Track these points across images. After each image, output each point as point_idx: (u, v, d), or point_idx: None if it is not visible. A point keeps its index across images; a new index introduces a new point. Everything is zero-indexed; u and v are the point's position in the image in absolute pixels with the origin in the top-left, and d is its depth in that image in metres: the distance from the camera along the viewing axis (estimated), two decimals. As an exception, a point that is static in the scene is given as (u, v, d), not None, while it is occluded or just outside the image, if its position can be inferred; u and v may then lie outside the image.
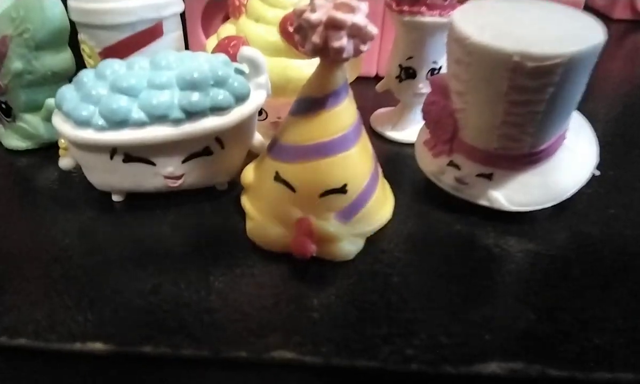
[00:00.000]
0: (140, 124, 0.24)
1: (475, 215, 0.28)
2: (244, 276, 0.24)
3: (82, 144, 0.25)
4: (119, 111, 0.24)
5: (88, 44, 0.29)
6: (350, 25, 0.22)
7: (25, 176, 0.31)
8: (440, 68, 0.32)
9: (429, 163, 0.29)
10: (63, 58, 0.29)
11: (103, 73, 0.25)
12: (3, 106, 0.31)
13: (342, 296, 0.23)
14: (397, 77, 0.33)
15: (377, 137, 0.35)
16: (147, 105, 0.24)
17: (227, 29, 0.31)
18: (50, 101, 0.27)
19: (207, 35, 0.41)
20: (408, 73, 0.32)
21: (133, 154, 0.25)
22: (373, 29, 0.23)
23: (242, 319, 0.22)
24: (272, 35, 0.29)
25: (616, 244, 0.26)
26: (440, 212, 0.28)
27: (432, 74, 0.32)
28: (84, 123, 0.24)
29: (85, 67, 0.30)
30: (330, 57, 0.23)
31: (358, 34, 0.22)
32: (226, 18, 0.38)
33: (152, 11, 0.29)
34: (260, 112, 0.31)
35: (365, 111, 0.38)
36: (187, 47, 0.42)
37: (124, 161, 0.25)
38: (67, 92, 0.25)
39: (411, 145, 0.32)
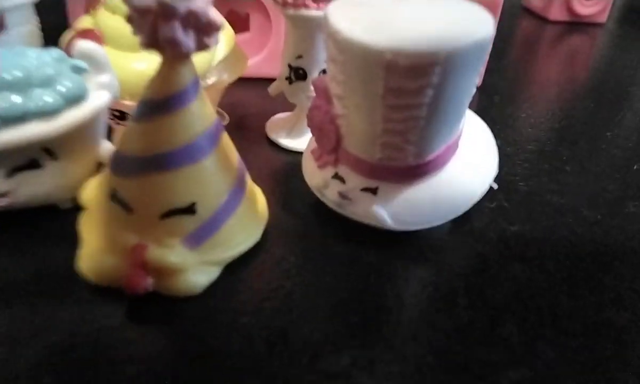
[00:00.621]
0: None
1: (360, 234, 0.24)
2: (71, 314, 0.20)
3: None
4: None
5: None
6: (185, 14, 0.18)
7: None
8: None
9: (314, 176, 0.26)
10: None
11: None
12: None
13: (174, 342, 0.19)
14: (287, 78, 0.29)
15: (272, 146, 0.32)
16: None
17: (84, 21, 0.27)
18: None
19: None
20: (298, 74, 0.29)
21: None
22: (217, 17, 0.19)
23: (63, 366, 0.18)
24: (126, 27, 0.25)
25: (512, 271, 0.23)
26: (323, 233, 0.25)
27: (323, 73, 0.29)
28: None
29: None
30: (167, 52, 0.19)
31: (197, 24, 0.19)
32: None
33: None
34: (123, 117, 0.27)
35: (265, 116, 0.35)
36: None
37: None
38: None
39: (297, 152, 0.28)
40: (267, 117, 0.34)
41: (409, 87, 0.20)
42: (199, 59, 0.23)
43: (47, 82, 0.21)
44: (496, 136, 0.27)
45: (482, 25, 0.21)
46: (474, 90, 0.22)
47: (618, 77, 0.49)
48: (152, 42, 0.19)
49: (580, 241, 0.25)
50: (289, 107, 0.33)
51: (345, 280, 0.22)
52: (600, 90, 0.45)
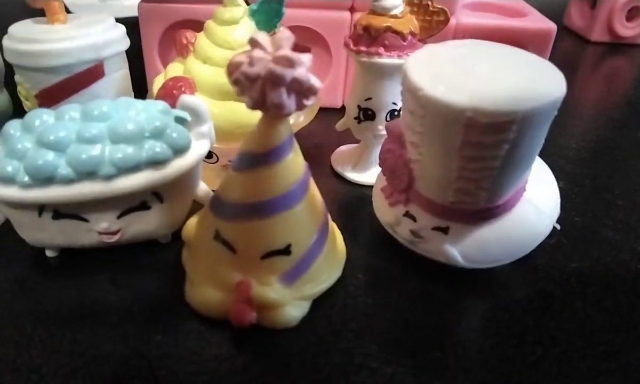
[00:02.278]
0: (68, 181, 0.22)
1: (430, 270, 0.26)
2: (182, 343, 0.22)
3: (8, 201, 0.23)
4: (44, 167, 0.22)
5: (24, 86, 0.28)
6: (290, 81, 0.21)
7: None
8: (400, 110, 0.31)
9: (385, 212, 0.28)
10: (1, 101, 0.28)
11: (31, 124, 0.23)
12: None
13: (278, 370, 0.21)
14: (355, 118, 0.31)
15: (337, 178, 0.34)
16: (75, 161, 0.22)
17: (174, 68, 0.29)
18: None
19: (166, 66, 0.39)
20: (367, 114, 0.31)
21: (63, 211, 0.24)
22: (316, 83, 0.21)
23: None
24: (221, 77, 0.27)
25: (575, 305, 0.25)
26: (395, 267, 0.27)
27: (391, 116, 0.31)
28: (8, 180, 0.22)
29: (22, 108, 0.29)
30: (271, 112, 0.21)
31: (299, 89, 0.21)
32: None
33: (90, 52, 0.28)
34: (210, 156, 0.29)
35: (328, 146, 0.37)
36: (145, 80, 0.40)
37: (54, 218, 0.24)
38: (-5, 146, 0.23)
39: (371, 187, 0.30)
40: (329, 148, 0.37)
41: (486, 141, 0.22)
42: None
43: (157, 135, 0.23)
44: (550, 168, 0.28)
45: (556, 84, 0.22)
46: (543, 141, 0.24)
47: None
48: (258, 104, 0.21)
49: (636, 277, 0.27)
50: (351, 137, 0.35)
51: (420, 314, 0.24)
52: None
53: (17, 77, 0.28)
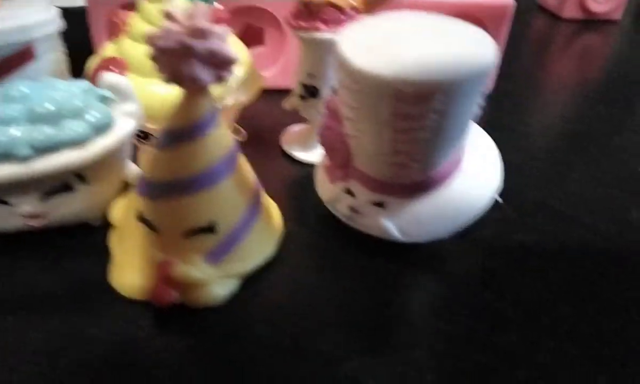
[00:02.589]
0: (-17, 163, 0.22)
1: (370, 246, 0.25)
2: (108, 325, 0.21)
3: None
4: (-43, 149, 0.21)
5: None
6: (203, 52, 0.20)
7: None
8: None
9: (326, 189, 0.27)
10: None
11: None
12: None
13: (197, 350, 0.21)
14: (300, 96, 0.30)
15: (287, 158, 0.33)
16: (-8, 142, 0.22)
17: (109, 49, 0.28)
18: None
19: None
20: (311, 92, 0.30)
21: (-17, 195, 0.23)
22: (232, 54, 0.20)
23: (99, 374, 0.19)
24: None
25: (516, 281, 0.24)
26: (336, 244, 0.26)
27: (334, 92, 0.30)
28: None
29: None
30: (187, 86, 0.21)
31: (214, 61, 0.20)
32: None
33: (17, 34, 0.27)
34: (146, 137, 0.28)
35: (281, 127, 0.36)
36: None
37: (-25, 201, 0.23)
38: None
39: (310, 165, 0.30)
40: (282, 129, 0.36)
41: (414, 112, 0.21)
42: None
43: (77, 113, 0.23)
44: (506, 144, 0.28)
45: (485, 53, 0.22)
46: (477, 110, 0.23)
47: (633, 76, 0.49)
48: (174, 77, 0.20)
49: (582, 250, 0.26)
50: (303, 119, 0.34)
51: (356, 290, 0.24)
52: (613, 91, 0.46)
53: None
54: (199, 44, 0.19)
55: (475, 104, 0.22)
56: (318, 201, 0.28)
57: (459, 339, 0.21)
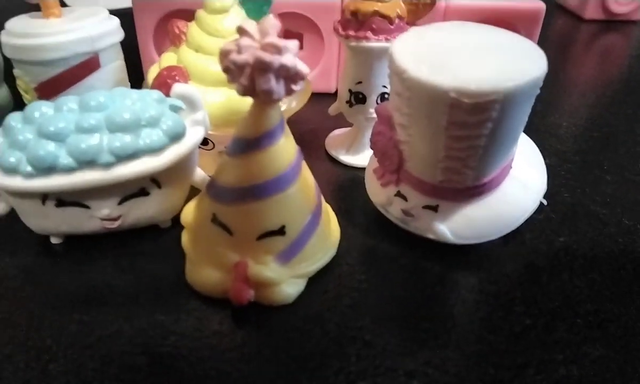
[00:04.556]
0: (69, 170, 0.23)
1: (422, 247, 0.27)
2: (183, 321, 0.23)
3: (12, 191, 0.24)
4: (46, 157, 0.23)
5: (23, 79, 0.28)
6: (278, 67, 0.21)
7: None
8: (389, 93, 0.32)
9: (377, 193, 0.29)
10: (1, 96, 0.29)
11: (31, 116, 0.24)
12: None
13: (276, 344, 0.22)
14: (347, 101, 0.32)
15: (331, 161, 0.35)
16: (75, 150, 0.23)
17: (168, 58, 0.30)
18: None
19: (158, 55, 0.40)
20: (358, 98, 0.31)
21: (65, 199, 0.24)
22: (303, 68, 0.22)
23: (181, 367, 0.21)
24: (213, 65, 0.28)
25: (562, 280, 0.26)
26: (388, 245, 0.28)
27: (382, 99, 0.31)
28: (11, 170, 0.23)
29: (22, 101, 0.29)
30: (260, 98, 0.22)
31: (287, 75, 0.22)
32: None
33: (85, 45, 0.28)
34: (206, 142, 0.30)
35: (322, 130, 0.38)
36: (141, 70, 0.41)
37: (57, 205, 0.25)
38: (-2, 138, 0.24)
39: (364, 169, 0.31)
40: (324, 132, 0.37)
41: (470, 121, 0.23)
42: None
43: (153, 122, 0.24)
44: (540, 146, 0.29)
45: (536, 63, 0.23)
46: (527, 118, 0.25)
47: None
48: (248, 90, 0.22)
49: (622, 249, 0.28)
50: (344, 121, 0.36)
51: (412, 289, 0.25)
52: (638, 91, 0.47)
53: (15, 71, 0.29)
54: (273, 59, 0.21)
55: (528, 111, 0.24)
56: (366, 203, 0.29)
57: (513, 335, 0.23)
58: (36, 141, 0.23)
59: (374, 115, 0.32)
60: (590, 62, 0.54)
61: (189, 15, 0.36)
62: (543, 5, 0.40)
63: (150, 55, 0.41)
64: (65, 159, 0.23)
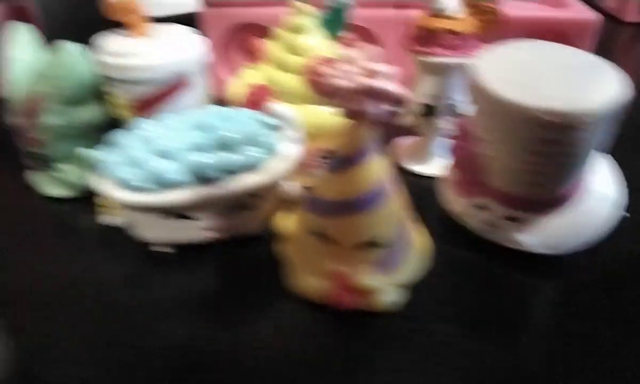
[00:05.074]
0: (181, 185, 0.25)
1: (502, 255, 0.28)
2: (284, 322, 0.25)
3: (128, 205, 0.26)
4: (161, 173, 0.25)
5: (119, 97, 0.30)
6: (380, 93, 0.23)
7: (67, 223, 0.31)
8: (457, 105, 0.33)
9: (456, 203, 0.30)
10: (94, 111, 0.30)
11: (143, 135, 0.26)
12: (38, 156, 0.32)
13: (376, 346, 0.24)
14: (418, 113, 0.33)
15: (397, 169, 0.36)
16: (188, 167, 0.25)
17: (250, 74, 0.32)
18: (84, 151, 0.29)
19: (225, 67, 0.42)
20: (428, 110, 0.33)
21: (175, 212, 0.26)
22: (403, 94, 0.23)
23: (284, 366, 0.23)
24: (297, 83, 0.30)
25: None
26: (468, 253, 0.29)
27: (451, 111, 0.33)
28: (127, 185, 0.25)
29: (115, 118, 0.31)
30: (362, 120, 0.24)
31: (388, 99, 0.23)
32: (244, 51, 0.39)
33: (180, 66, 0.30)
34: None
35: (386, 139, 0.39)
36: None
37: (166, 218, 0.26)
38: (109, 155, 0.26)
39: (429, 178, 0.33)
40: (386, 141, 0.38)
41: (558, 139, 0.24)
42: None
43: (255, 141, 0.26)
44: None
45: (619, 85, 0.24)
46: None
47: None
48: (354, 114, 0.23)
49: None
50: (409, 130, 0.36)
51: (494, 296, 0.27)
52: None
53: (110, 88, 0.31)
54: (376, 85, 0.22)
55: (608, 130, 0.25)
56: (440, 212, 0.31)
57: (590, 340, 0.24)
58: (151, 158, 0.25)
59: (443, 126, 0.33)
60: (633, 65, 0.55)
61: (256, 28, 0.38)
62: (596, 17, 0.41)
63: (218, 67, 0.41)
64: (178, 176, 0.25)
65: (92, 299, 0.26)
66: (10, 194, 0.34)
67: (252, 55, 0.32)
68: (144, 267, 0.28)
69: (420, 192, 0.34)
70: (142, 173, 0.25)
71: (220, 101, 0.35)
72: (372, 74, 0.23)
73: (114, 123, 0.32)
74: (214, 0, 0.39)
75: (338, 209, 0.25)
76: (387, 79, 0.23)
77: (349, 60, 0.23)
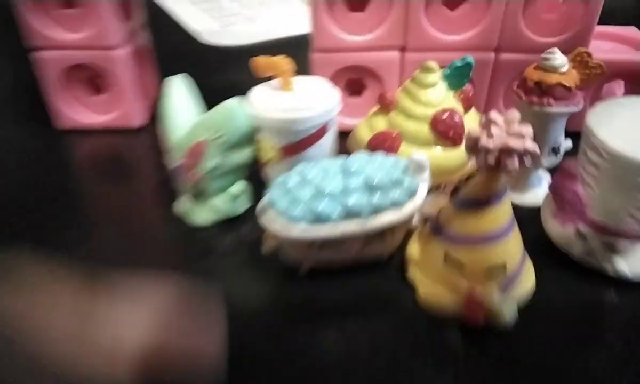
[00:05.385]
0: (337, 221, 0.31)
1: (598, 279, 0.33)
2: (409, 331, 0.31)
3: (292, 238, 0.31)
4: (322, 212, 0.30)
5: (270, 142, 0.36)
6: (520, 151, 0.27)
7: (216, 246, 0.37)
8: (559, 147, 0.38)
9: (556, 232, 0.35)
10: (247, 153, 0.36)
11: (305, 178, 0.32)
12: (195, 191, 0.38)
13: (504, 357, 0.29)
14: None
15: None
16: (345, 206, 0.30)
17: (378, 120, 0.37)
18: (234, 188, 0.36)
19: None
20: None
21: (328, 243, 0.32)
22: (536, 149, 0.28)
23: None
24: (421, 129, 0.35)
25: None
26: (564, 275, 0.34)
27: (553, 151, 0.38)
28: (294, 220, 0.31)
29: (259, 159, 0.37)
30: (500, 173, 0.28)
31: (526, 155, 0.28)
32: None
33: (323, 116, 0.36)
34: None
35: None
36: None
37: (319, 248, 0.32)
38: (277, 194, 0.32)
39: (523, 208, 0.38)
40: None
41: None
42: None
43: (397, 184, 0.31)
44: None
45: None
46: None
47: None
48: (491, 168, 0.28)
49: None
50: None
51: (588, 312, 0.32)
52: None
53: (263, 135, 0.37)
54: (517, 144, 0.27)
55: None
56: (537, 240, 0.35)
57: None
58: (315, 199, 0.31)
59: (544, 165, 0.38)
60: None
61: (356, 69, 0.44)
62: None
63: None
64: (336, 213, 0.30)
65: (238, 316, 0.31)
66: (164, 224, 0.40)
67: (388, 107, 0.37)
68: (286, 284, 0.34)
69: (520, 221, 0.38)
70: (307, 211, 0.30)
71: (342, 137, 0.41)
72: (515, 135, 0.27)
73: (261, 164, 0.38)
74: (323, 47, 0.45)
75: (469, 241, 0.30)
76: (527, 138, 0.28)
77: (495, 123, 0.28)
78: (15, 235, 0.39)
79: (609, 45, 0.48)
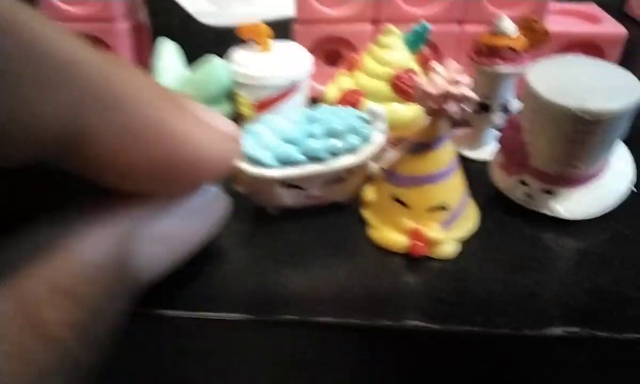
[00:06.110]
0: (300, 164, 0.34)
1: (539, 220, 0.37)
2: (363, 266, 0.34)
3: (258, 178, 0.35)
4: (286, 154, 0.34)
5: (246, 98, 0.40)
6: (458, 95, 0.31)
7: None
8: (508, 104, 0.42)
9: (502, 181, 0.38)
10: (226, 108, 0.40)
11: (271, 125, 0.35)
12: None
13: (438, 285, 0.33)
14: (474, 110, 0.41)
15: (456, 155, 0.44)
16: (305, 150, 0.34)
17: (344, 80, 0.41)
18: None
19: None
20: (483, 107, 0.41)
21: (291, 184, 0.36)
22: (475, 97, 0.31)
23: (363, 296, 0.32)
24: (383, 88, 0.39)
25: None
26: (509, 217, 0.37)
27: (503, 109, 0.41)
28: (260, 163, 0.34)
29: (238, 113, 0.41)
30: (441, 117, 0.32)
31: (464, 101, 0.31)
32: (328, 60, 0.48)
33: (294, 76, 0.40)
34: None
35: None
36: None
37: (283, 188, 0.36)
38: (246, 139, 0.35)
39: (477, 161, 0.42)
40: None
41: (589, 130, 0.32)
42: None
43: (354, 131, 0.35)
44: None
45: (637, 89, 0.32)
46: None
47: None
48: (435, 112, 0.32)
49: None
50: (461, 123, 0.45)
51: (528, 251, 0.35)
52: None
53: (239, 91, 0.41)
54: (460, 90, 0.31)
55: (627, 124, 0.33)
56: (486, 189, 0.39)
57: (609, 295, 0.32)
58: (279, 143, 0.34)
59: (496, 121, 0.42)
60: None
61: (338, 41, 0.47)
62: (625, 31, 0.48)
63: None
64: (298, 156, 0.34)
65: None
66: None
67: (351, 67, 0.41)
68: (258, 225, 0.37)
69: (472, 173, 0.42)
70: (272, 154, 0.34)
71: (315, 102, 0.44)
72: (454, 82, 0.31)
73: (236, 117, 0.42)
74: (304, 18, 0.48)
75: (415, 182, 0.34)
76: (464, 85, 0.31)
77: (436, 71, 0.31)
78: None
79: (569, 20, 0.51)
